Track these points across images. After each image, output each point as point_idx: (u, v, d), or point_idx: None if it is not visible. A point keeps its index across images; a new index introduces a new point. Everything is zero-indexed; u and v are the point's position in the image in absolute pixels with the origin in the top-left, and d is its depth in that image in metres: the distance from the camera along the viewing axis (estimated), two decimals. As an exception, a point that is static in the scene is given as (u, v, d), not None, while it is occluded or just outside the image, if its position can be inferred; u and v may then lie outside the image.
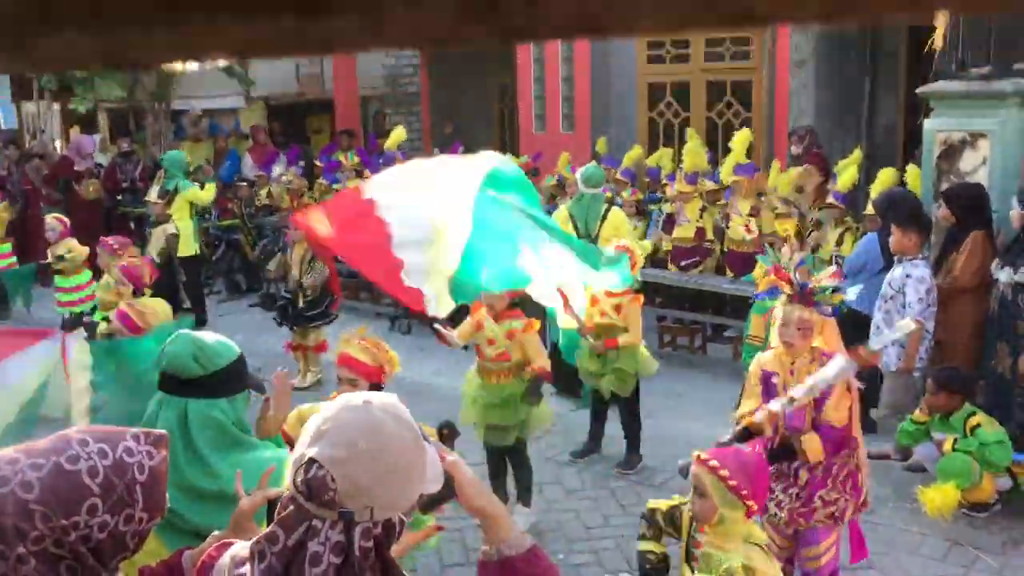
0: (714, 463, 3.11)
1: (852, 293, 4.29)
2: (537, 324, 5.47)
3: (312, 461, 1.53)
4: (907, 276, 5.73)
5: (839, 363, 3.82)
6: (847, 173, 7.90)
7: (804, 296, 3.93)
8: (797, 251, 4.16)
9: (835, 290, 4.00)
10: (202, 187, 10.12)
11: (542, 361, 5.26)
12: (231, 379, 2.57)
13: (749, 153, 8.96)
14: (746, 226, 8.16)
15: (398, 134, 10.90)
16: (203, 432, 2.50)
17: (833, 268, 4.12)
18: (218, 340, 2.63)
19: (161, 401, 2.58)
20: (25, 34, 0.40)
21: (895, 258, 5.86)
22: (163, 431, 1.77)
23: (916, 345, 5.77)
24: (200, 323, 8.94)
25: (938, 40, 6.22)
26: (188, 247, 9.69)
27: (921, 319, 5.69)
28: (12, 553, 1.51)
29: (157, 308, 5.22)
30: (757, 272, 5.86)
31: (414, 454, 1.60)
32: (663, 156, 10.25)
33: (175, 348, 2.55)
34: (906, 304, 5.72)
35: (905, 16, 0.39)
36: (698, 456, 3.18)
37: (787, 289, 3.99)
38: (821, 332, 3.97)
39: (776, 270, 4.07)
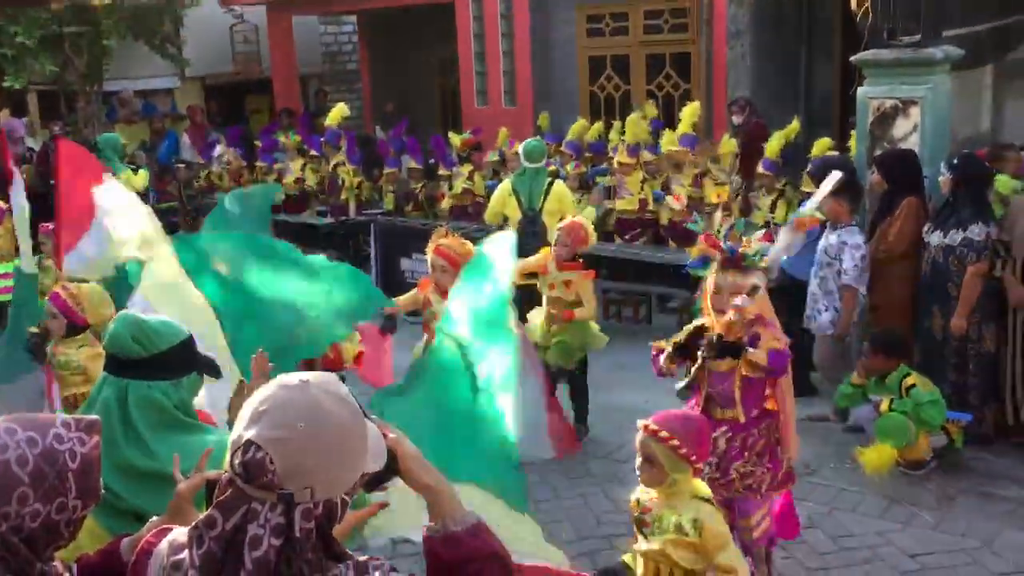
0: (664, 433, 3.14)
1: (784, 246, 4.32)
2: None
3: (250, 443, 1.51)
4: (843, 243, 5.84)
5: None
6: (774, 141, 8.02)
7: (734, 261, 3.97)
8: (727, 218, 4.19)
9: (764, 254, 4.05)
10: (135, 172, 9.89)
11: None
12: (174, 361, 2.53)
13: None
14: (675, 196, 8.23)
15: (339, 110, 10.75)
16: (142, 413, 2.46)
17: (762, 232, 4.16)
18: (162, 321, 2.58)
19: (103, 381, 2.54)
20: None
21: (827, 225, 5.96)
22: (95, 417, 1.74)
23: (850, 311, 5.89)
24: None
25: (857, 5, 6.30)
26: None
27: (855, 285, 5.82)
28: None
29: (92, 292, 5.06)
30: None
31: (354, 433, 1.58)
32: (598, 128, 10.25)
33: (116, 328, 2.51)
34: (843, 271, 5.84)
35: None
36: (645, 425, 3.21)
37: (717, 255, 4.02)
38: (758, 304, 3.99)
39: (706, 237, 4.10)
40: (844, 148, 7.56)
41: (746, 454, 4.00)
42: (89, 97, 13.02)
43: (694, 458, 3.15)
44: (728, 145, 8.66)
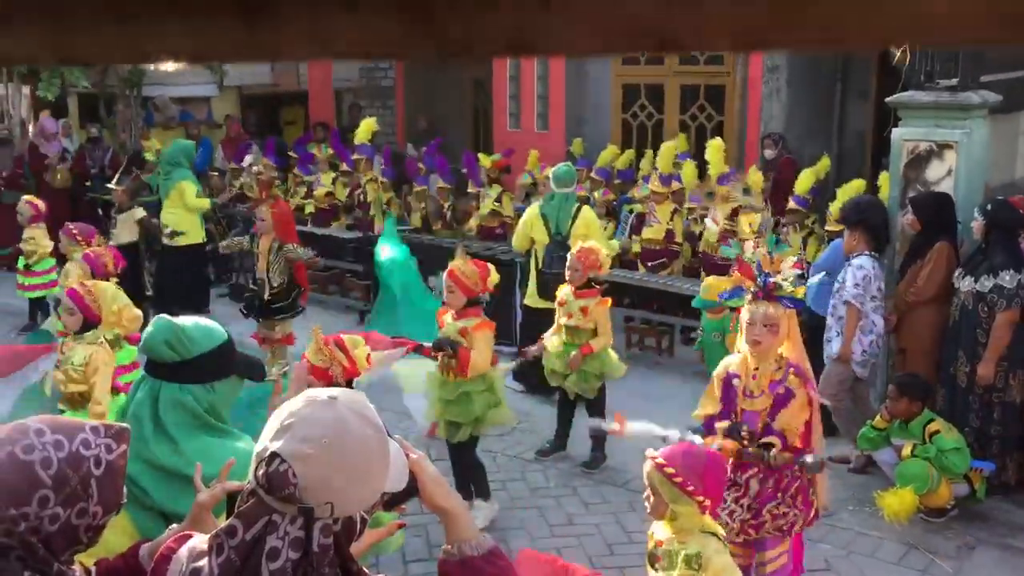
0: (660, 460, 3.15)
1: (816, 279, 4.33)
2: (492, 324, 5.47)
3: (274, 455, 1.52)
4: (848, 265, 5.89)
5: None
6: (804, 179, 8.01)
7: (767, 291, 3.96)
8: (760, 246, 4.18)
9: (798, 280, 4.05)
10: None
11: (480, 357, 5.21)
12: (208, 366, 2.53)
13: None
14: (714, 219, 8.21)
15: (368, 125, 10.82)
16: (172, 415, 2.48)
17: (794, 258, 4.15)
18: (199, 326, 2.58)
19: (141, 380, 2.57)
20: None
21: (846, 258, 6.00)
22: (125, 425, 1.76)
23: (852, 331, 5.85)
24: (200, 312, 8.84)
25: (899, 50, 6.30)
26: (195, 235, 9.53)
27: (854, 302, 5.78)
28: None
29: (107, 292, 5.13)
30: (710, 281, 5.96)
31: (377, 452, 1.59)
32: (628, 156, 10.29)
33: (152, 332, 2.53)
34: (843, 290, 5.85)
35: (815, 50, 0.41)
36: (652, 458, 3.21)
37: (750, 286, 4.01)
38: (788, 333, 3.99)
39: (739, 264, 4.09)
40: (874, 189, 7.53)
41: (779, 495, 3.99)
42: (128, 101, 13.19)
43: (692, 489, 3.12)
44: (755, 176, 8.65)
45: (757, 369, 4.01)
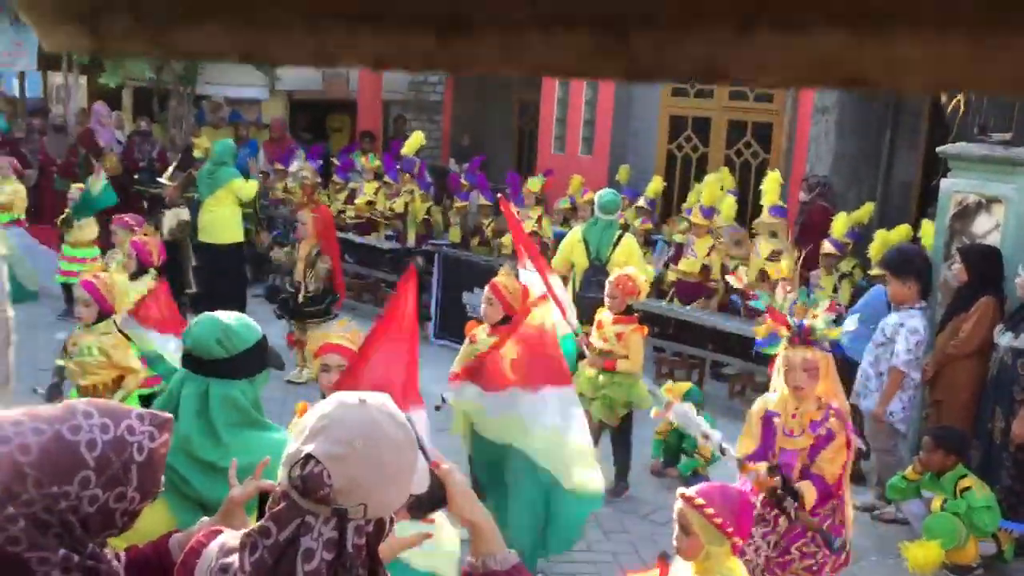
0: (700, 501, 3.09)
1: (851, 323, 4.31)
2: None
3: (309, 457, 1.54)
4: (900, 325, 5.81)
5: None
6: (840, 223, 7.96)
7: (803, 335, 3.94)
8: (790, 292, 4.16)
9: (834, 321, 4.02)
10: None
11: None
12: (252, 360, 2.61)
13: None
14: (738, 277, 8.16)
15: (416, 139, 10.92)
16: (223, 412, 2.54)
17: (827, 302, 4.13)
18: (241, 322, 2.66)
19: (184, 378, 2.61)
20: (168, 23, 0.42)
21: (892, 307, 5.93)
22: (169, 415, 1.78)
23: (892, 394, 5.81)
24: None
25: (948, 97, 6.26)
26: (235, 234, 9.60)
27: (904, 370, 5.74)
28: (1, 512, 1.53)
29: (118, 281, 5.17)
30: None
31: (408, 454, 1.62)
32: (656, 186, 10.28)
33: (199, 330, 2.59)
34: (894, 352, 5.79)
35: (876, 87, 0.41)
36: (683, 494, 3.17)
37: (785, 333, 4.00)
38: (826, 374, 3.97)
39: (771, 313, 4.08)
40: (915, 239, 7.46)
41: (809, 534, 3.94)
42: (181, 98, 13.40)
43: (731, 530, 3.10)
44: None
45: (798, 408, 3.99)
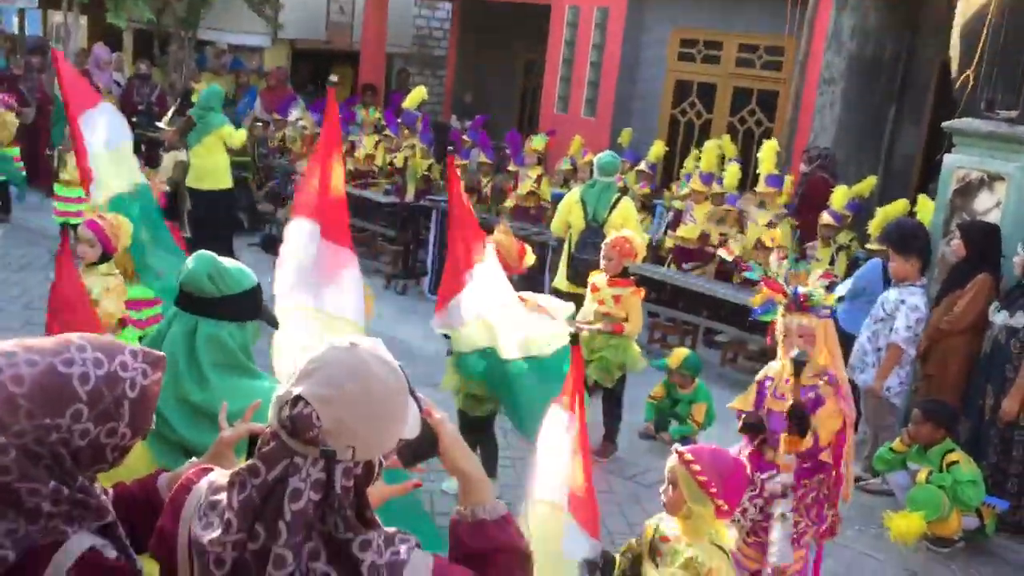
0: (688, 456, 3.13)
1: (842, 288, 4.31)
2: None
3: (298, 398, 1.55)
4: (901, 301, 5.81)
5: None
6: (840, 194, 7.94)
7: (799, 302, 3.95)
8: (784, 258, 4.17)
9: (827, 288, 4.03)
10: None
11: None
12: (244, 305, 2.60)
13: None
14: (727, 249, 8.15)
15: (418, 92, 10.81)
16: (208, 351, 2.53)
17: (822, 269, 4.14)
18: (237, 266, 2.65)
19: (174, 315, 2.61)
20: None
21: (892, 282, 5.92)
22: (162, 353, 1.77)
23: (890, 369, 5.83)
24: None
25: (954, 74, 6.21)
26: (223, 180, 9.53)
27: (903, 346, 5.76)
28: None
29: (123, 222, 5.13)
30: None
31: (397, 397, 1.63)
32: (658, 150, 10.21)
33: (194, 265, 2.58)
34: (894, 328, 5.80)
35: None
36: (678, 451, 3.19)
37: (781, 299, 4.00)
38: (825, 341, 3.98)
39: (766, 282, 4.08)
40: (912, 213, 7.45)
41: (794, 503, 3.97)
42: (182, 43, 13.25)
43: (715, 491, 3.10)
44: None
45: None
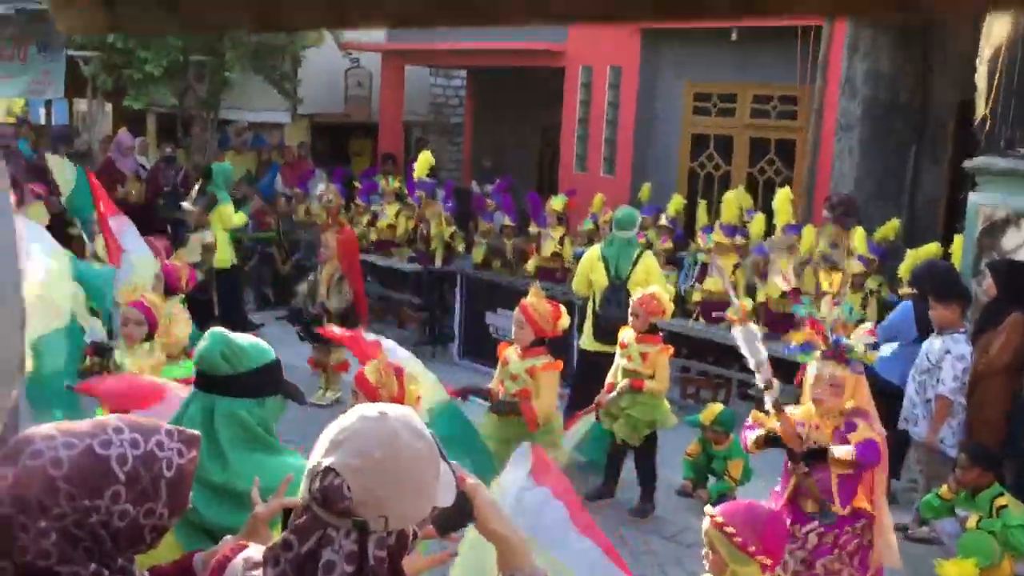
0: (719, 519, 3.05)
1: (887, 349, 4.26)
2: (559, 365, 5.43)
3: (328, 469, 1.54)
4: (947, 352, 5.68)
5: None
6: (859, 238, 7.88)
7: (837, 351, 3.90)
8: (836, 306, 4.10)
9: (871, 347, 3.97)
10: (239, 206, 10.17)
11: (545, 402, 5.15)
12: (261, 381, 2.58)
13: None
14: (783, 276, 8.00)
15: (425, 159, 10.83)
16: (227, 429, 2.52)
17: (869, 325, 4.08)
18: (252, 342, 2.64)
19: (192, 396, 2.60)
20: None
21: (935, 330, 5.80)
22: (196, 432, 1.77)
23: (942, 422, 5.70)
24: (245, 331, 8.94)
25: (980, 112, 6.19)
26: (223, 258, 9.68)
27: (951, 398, 5.64)
28: (33, 526, 1.52)
29: (160, 304, 5.20)
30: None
31: (429, 466, 1.61)
32: (678, 205, 10.22)
33: (208, 345, 2.58)
34: (940, 379, 5.67)
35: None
36: (712, 516, 3.12)
37: (820, 344, 3.96)
38: (853, 393, 3.92)
39: (812, 323, 4.03)
40: (947, 255, 7.37)
41: (835, 551, 3.89)
42: (205, 124, 13.53)
43: (753, 549, 3.03)
44: (812, 235, 8.50)
45: (821, 420, 3.96)
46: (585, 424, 5.75)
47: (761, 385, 4.06)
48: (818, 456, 3.92)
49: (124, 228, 6.20)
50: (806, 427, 4.00)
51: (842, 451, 3.83)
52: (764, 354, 4.06)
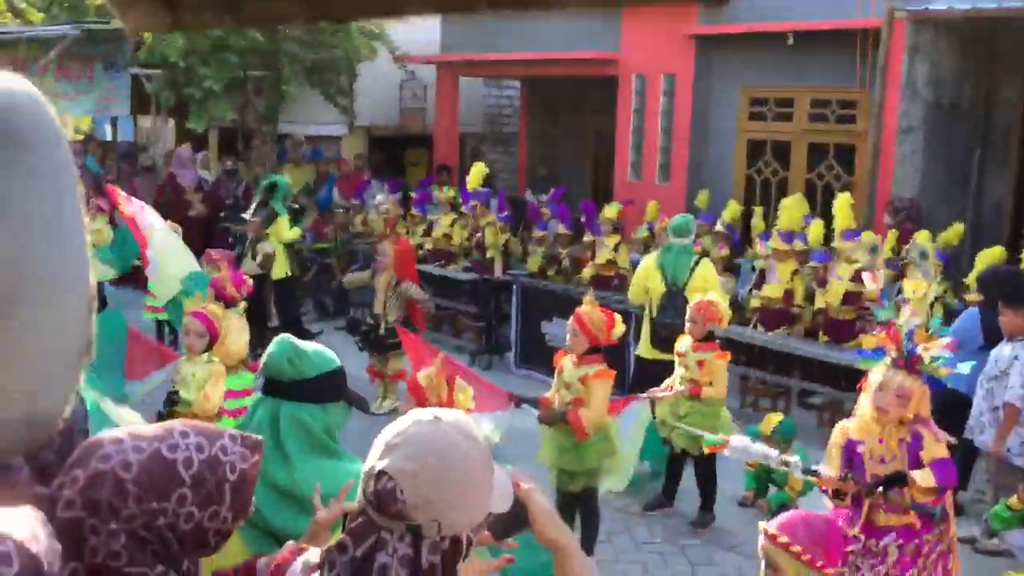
0: (784, 539, 2.97)
1: (965, 368, 4.13)
2: (612, 374, 5.39)
3: (382, 473, 1.55)
4: (1015, 358, 5.53)
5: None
6: (922, 237, 7.69)
7: (910, 362, 3.79)
8: (916, 315, 3.96)
9: (946, 362, 3.84)
10: (297, 219, 10.35)
11: (595, 411, 5.12)
12: (325, 387, 2.63)
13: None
14: (872, 274, 7.73)
15: (478, 171, 10.89)
16: (292, 433, 2.57)
17: (947, 339, 3.93)
18: (316, 349, 2.70)
19: (259, 401, 2.67)
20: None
21: (1004, 337, 5.64)
22: (259, 437, 1.79)
23: (1009, 430, 5.55)
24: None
25: None
26: (279, 269, 9.84)
27: (1019, 405, 5.47)
28: (104, 528, 1.55)
29: (220, 314, 5.29)
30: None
31: (482, 471, 1.60)
32: (734, 211, 10.10)
33: (275, 350, 2.64)
34: (1009, 386, 5.52)
35: None
36: (766, 531, 3.05)
37: (893, 352, 3.84)
38: (917, 404, 3.82)
39: (889, 328, 3.91)
40: (1015, 259, 7.18)
41: (920, 560, 3.79)
42: (264, 137, 13.77)
43: (821, 564, 2.97)
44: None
45: (883, 432, 3.85)
46: (640, 420, 5.67)
47: (786, 469, 4.04)
48: (894, 481, 3.81)
49: (141, 212, 6.65)
50: (868, 445, 3.90)
51: (922, 477, 3.74)
52: (764, 449, 4.02)
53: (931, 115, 9.60)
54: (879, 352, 3.94)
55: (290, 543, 2.07)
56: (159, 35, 12.08)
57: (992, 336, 5.91)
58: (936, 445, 3.79)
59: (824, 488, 4.02)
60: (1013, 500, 5.30)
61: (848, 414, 7.65)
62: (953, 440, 3.96)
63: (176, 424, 1.70)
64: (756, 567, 3.19)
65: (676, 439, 5.99)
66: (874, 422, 3.87)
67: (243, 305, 6.15)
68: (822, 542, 3.00)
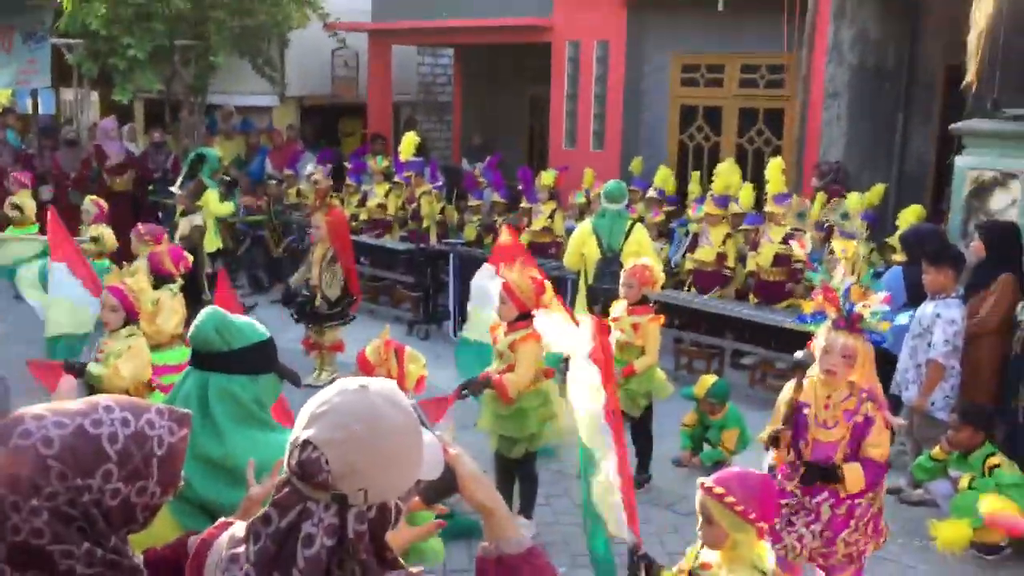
0: (719, 490, 3.04)
1: (904, 318, 4.18)
2: (539, 336, 5.41)
3: (307, 443, 1.53)
4: (937, 315, 5.67)
5: None
6: (851, 201, 7.85)
7: (850, 321, 3.85)
8: (848, 275, 4.00)
9: (884, 316, 3.91)
10: (231, 189, 10.16)
11: (522, 374, 5.15)
12: (254, 358, 2.61)
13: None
14: (800, 242, 7.90)
15: (410, 141, 10.80)
16: (221, 405, 2.55)
17: (884, 293, 3.99)
18: (245, 320, 2.68)
19: (187, 374, 2.65)
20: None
21: (928, 295, 5.80)
22: (187, 411, 1.78)
23: (933, 386, 5.71)
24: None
25: (971, 75, 6.17)
26: (210, 242, 9.69)
27: (942, 362, 5.63)
28: (26, 505, 1.53)
29: (146, 289, 5.19)
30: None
31: (409, 438, 1.59)
32: (667, 178, 10.19)
33: (202, 321, 2.60)
34: (932, 343, 5.67)
35: None
36: (702, 484, 3.12)
37: (833, 313, 3.90)
38: (863, 362, 3.89)
39: (825, 291, 3.96)
40: (940, 217, 7.37)
41: (852, 522, 3.90)
42: (192, 108, 13.45)
43: (754, 517, 3.05)
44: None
45: (829, 397, 3.92)
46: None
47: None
48: (828, 476, 3.91)
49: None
50: (813, 407, 3.97)
51: (852, 479, 3.84)
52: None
53: (856, 78, 9.78)
54: (819, 316, 3.96)
55: (221, 519, 2.06)
56: (80, 2, 11.69)
57: (915, 294, 6.07)
58: (881, 436, 3.87)
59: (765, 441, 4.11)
60: (936, 451, 5.50)
61: (777, 371, 7.89)
62: (903, 421, 4.04)
63: (101, 399, 1.68)
64: (692, 524, 3.26)
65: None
66: (823, 385, 3.93)
67: (179, 283, 6.03)
68: (757, 497, 3.07)
